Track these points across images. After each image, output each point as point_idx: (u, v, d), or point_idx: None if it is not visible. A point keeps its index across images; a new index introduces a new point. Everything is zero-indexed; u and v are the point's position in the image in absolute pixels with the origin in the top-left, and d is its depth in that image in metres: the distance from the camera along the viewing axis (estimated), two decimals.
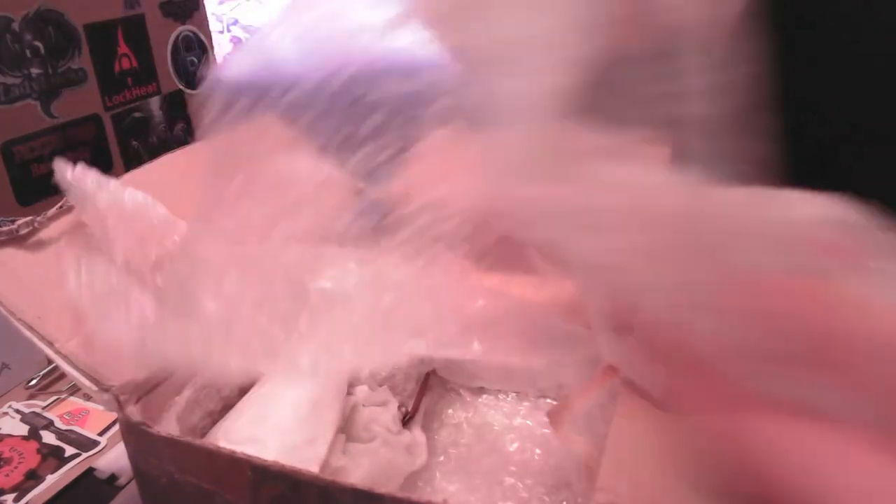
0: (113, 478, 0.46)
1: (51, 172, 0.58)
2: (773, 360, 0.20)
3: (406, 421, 0.44)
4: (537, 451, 0.44)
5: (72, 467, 0.47)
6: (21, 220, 0.37)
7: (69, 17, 0.58)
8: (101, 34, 0.61)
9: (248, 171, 0.51)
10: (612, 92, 0.31)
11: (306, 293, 0.43)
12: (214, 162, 0.50)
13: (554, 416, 0.39)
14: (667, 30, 0.31)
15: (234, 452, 0.31)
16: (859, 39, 0.45)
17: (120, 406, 0.34)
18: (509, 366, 0.48)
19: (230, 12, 0.83)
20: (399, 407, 0.44)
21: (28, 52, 0.55)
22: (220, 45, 0.81)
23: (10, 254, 0.36)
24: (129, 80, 0.64)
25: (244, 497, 0.32)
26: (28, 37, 0.55)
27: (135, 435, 0.34)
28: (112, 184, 0.43)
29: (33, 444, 0.49)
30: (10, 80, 0.54)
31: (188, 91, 0.69)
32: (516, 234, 0.37)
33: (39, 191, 0.57)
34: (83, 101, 0.60)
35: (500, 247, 0.52)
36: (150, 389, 0.36)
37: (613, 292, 0.32)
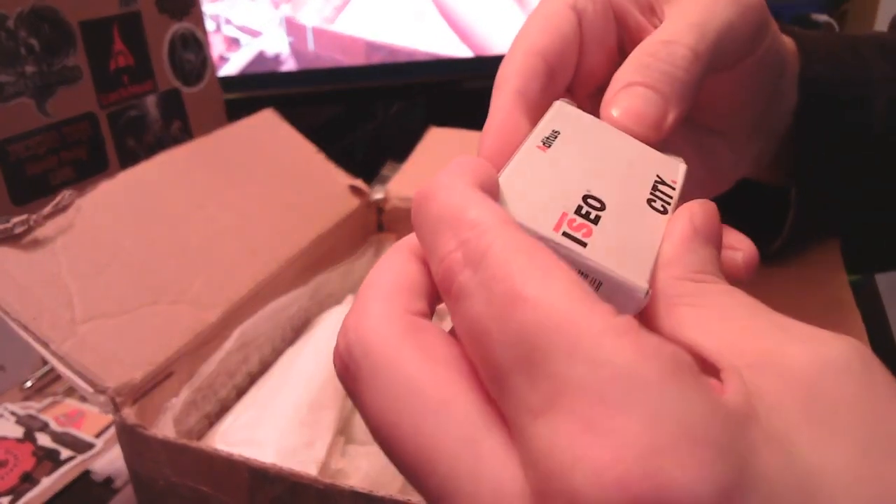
0: (109, 481, 0.46)
1: (46, 171, 0.57)
2: None
3: None
4: None
5: (67, 470, 0.47)
6: (16, 219, 0.37)
7: (64, 15, 0.58)
8: (97, 31, 0.60)
9: (247, 167, 0.50)
10: None
11: None
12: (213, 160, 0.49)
13: None
14: None
15: (231, 455, 0.31)
16: None
17: (116, 408, 0.34)
18: None
19: (224, 12, 0.83)
20: None
21: (23, 50, 0.55)
22: (214, 44, 0.81)
23: (5, 253, 0.36)
24: (125, 77, 0.63)
25: (242, 500, 0.31)
26: (23, 34, 0.55)
27: (131, 437, 0.34)
28: None
29: (28, 447, 0.49)
30: (4, 78, 0.54)
31: (184, 89, 0.68)
32: None
33: (34, 190, 0.57)
34: (78, 99, 0.59)
35: None
36: (147, 391, 0.36)
37: None
